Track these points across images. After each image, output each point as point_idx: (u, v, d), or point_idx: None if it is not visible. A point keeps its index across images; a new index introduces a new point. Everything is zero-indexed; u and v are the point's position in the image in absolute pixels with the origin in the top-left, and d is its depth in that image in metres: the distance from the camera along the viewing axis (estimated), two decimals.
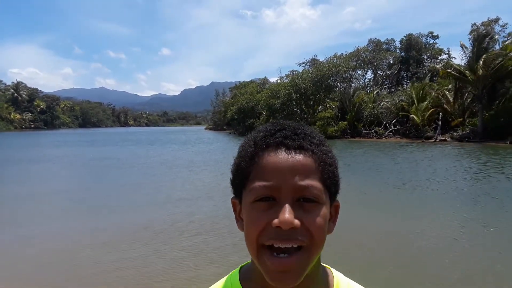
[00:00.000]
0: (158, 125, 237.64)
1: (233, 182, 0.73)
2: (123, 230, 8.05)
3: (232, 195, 0.75)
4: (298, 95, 48.19)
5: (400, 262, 5.97)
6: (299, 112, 49.04)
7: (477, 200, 10.77)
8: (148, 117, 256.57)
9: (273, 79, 76.63)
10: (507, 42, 35.01)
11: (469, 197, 11.38)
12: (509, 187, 12.64)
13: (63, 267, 5.91)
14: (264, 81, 76.57)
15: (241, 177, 0.69)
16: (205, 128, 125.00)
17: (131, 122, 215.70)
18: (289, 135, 0.68)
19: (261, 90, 62.98)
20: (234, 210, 0.76)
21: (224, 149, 32.62)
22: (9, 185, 14.35)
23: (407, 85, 52.99)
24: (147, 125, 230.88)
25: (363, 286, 0.79)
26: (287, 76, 61.01)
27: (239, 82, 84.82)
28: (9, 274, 5.65)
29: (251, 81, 79.16)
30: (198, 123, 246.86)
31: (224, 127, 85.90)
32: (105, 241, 7.17)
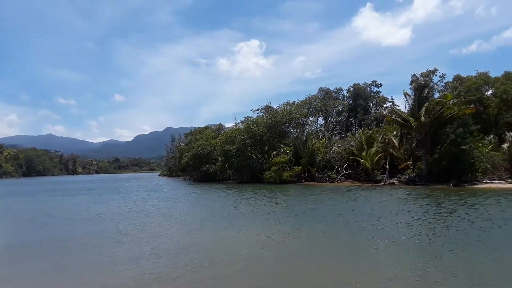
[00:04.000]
0: (109, 172, 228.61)
1: None
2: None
3: None
4: (253, 140, 48.88)
5: None
6: (254, 157, 49.46)
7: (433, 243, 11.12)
8: (99, 164, 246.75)
9: (228, 124, 77.53)
10: (446, 92, 38.06)
11: (426, 240, 11.74)
12: (458, 229, 13.22)
13: None
14: (220, 127, 77.18)
15: None
16: (159, 175, 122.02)
17: (79, 170, 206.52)
18: None
19: (216, 136, 63.21)
20: None
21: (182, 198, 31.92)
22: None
23: (356, 130, 55.60)
24: (97, 172, 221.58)
25: None
26: (242, 122, 61.92)
27: (195, 128, 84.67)
28: None
29: (206, 127, 79.34)
30: (152, 169, 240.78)
31: (179, 173, 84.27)
32: None
